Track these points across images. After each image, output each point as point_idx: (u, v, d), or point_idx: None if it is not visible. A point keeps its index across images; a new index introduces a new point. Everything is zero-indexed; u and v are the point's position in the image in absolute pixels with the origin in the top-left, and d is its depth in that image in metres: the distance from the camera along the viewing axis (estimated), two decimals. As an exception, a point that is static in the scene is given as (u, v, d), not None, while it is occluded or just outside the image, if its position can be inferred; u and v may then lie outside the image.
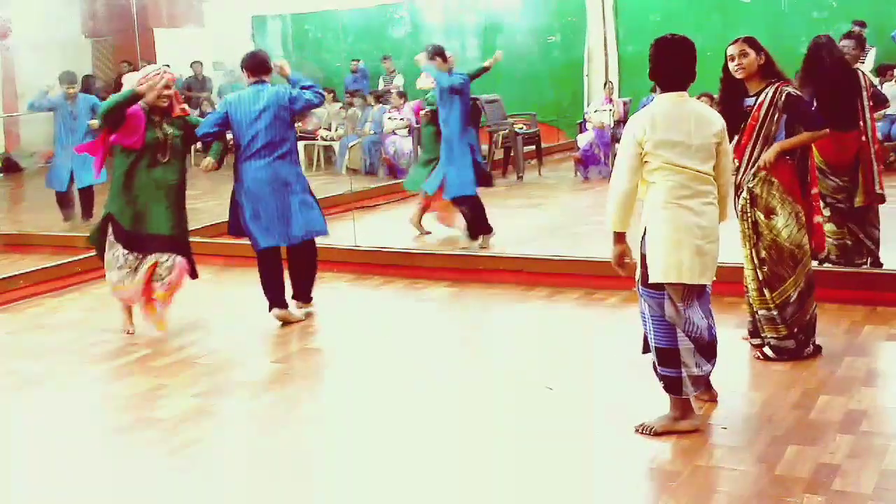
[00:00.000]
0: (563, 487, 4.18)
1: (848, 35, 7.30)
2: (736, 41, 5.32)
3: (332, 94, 15.22)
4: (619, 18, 14.43)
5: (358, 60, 16.26)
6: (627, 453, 4.41)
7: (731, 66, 5.35)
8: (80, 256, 8.67)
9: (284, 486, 4.36)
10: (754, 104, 5.35)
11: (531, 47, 15.18)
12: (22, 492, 4.46)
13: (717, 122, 4.52)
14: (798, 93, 5.36)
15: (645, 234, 4.49)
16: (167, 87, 6.46)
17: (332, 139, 14.72)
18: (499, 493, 4.16)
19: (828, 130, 5.46)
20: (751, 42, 5.32)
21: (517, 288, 7.39)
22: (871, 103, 6.85)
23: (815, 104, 6.69)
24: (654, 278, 4.45)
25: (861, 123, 6.78)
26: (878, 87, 7.06)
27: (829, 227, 6.75)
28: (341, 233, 8.80)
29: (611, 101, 12.87)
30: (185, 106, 6.90)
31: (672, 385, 4.50)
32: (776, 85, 5.31)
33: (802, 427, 4.56)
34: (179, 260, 6.57)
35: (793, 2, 13.36)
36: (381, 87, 15.54)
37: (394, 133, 13.51)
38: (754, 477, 4.07)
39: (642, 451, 4.40)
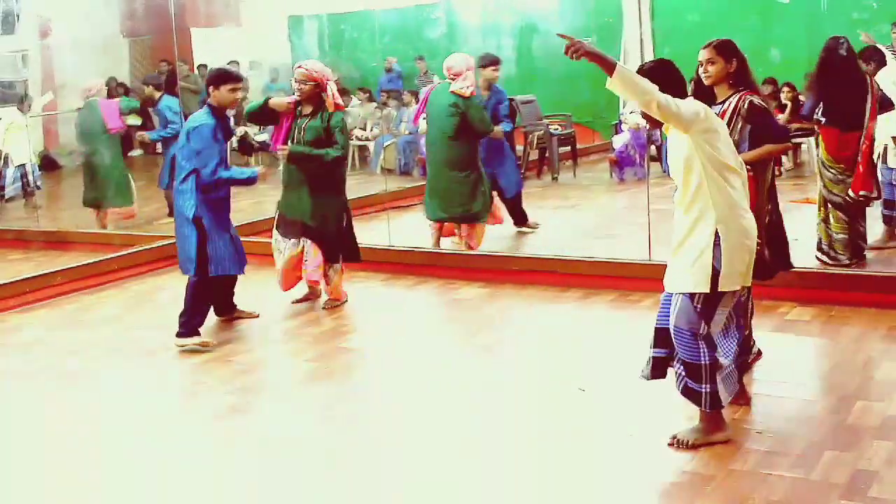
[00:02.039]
0: (595, 490, 4.17)
1: None
2: (707, 46, 5.13)
3: (367, 94, 15.27)
4: (655, 19, 14.32)
5: (393, 59, 16.26)
6: (661, 456, 4.39)
7: (700, 71, 5.26)
8: (118, 254, 8.77)
9: (316, 483, 4.38)
10: (719, 112, 5.14)
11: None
12: (56, 487, 4.51)
13: None
14: (762, 103, 5.13)
15: (717, 242, 4.27)
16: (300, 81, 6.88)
17: (367, 139, 14.76)
18: (529, 494, 4.15)
19: (790, 144, 5.38)
20: (721, 49, 5.11)
21: (551, 289, 7.37)
22: (878, 105, 7.22)
23: (820, 104, 7.16)
24: (728, 287, 4.34)
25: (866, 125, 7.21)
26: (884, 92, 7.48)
27: (830, 220, 7.28)
28: (375, 233, 8.82)
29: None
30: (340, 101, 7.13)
31: (693, 397, 4.47)
32: (741, 93, 5.11)
33: (839, 432, 4.52)
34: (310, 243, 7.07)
35: (832, 2, 13.22)
36: (418, 87, 15.54)
37: (429, 133, 13.50)
38: (790, 482, 4.04)
39: (676, 455, 4.38)
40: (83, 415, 5.42)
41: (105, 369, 6.21)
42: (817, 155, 7.41)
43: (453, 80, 8.16)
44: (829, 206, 7.29)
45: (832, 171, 7.23)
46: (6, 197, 11.74)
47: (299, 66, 6.96)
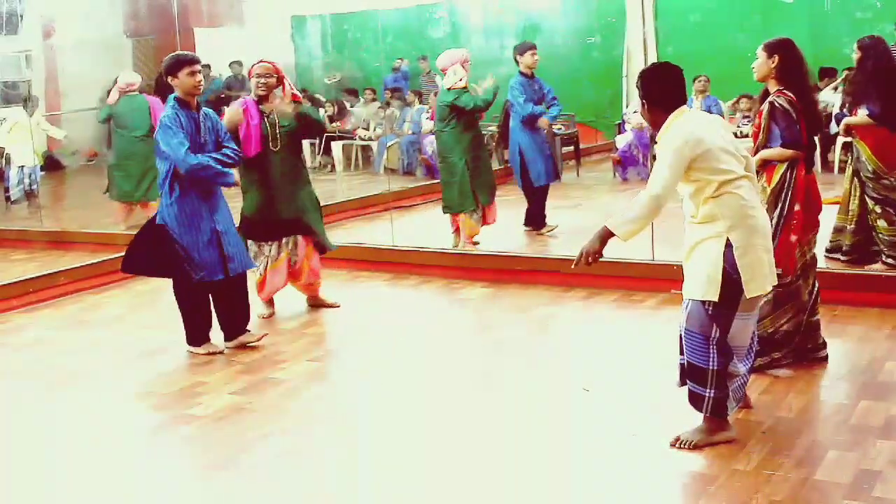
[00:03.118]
0: (597, 490, 4.16)
1: None
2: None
3: (374, 94, 15.29)
4: (658, 19, 14.32)
5: (402, 60, 16.27)
6: (664, 457, 4.38)
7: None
8: (122, 254, 8.73)
9: (319, 483, 4.38)
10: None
11: (570, 48, 15.11)
12: (58, 486, 4.51)
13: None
14: (784, 105, 5.09)
15: (730, 248, 4.24)
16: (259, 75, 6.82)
17: (370, 139, 14.76)
18: (529, 494, 4.14)
19: (797, 152, 5.15)
20: (767, 45, 5.16)
21: (555, 289, 7.37)
22: None
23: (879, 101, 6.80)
24: (756, 291, 4.31)
25: None
26: None
27: (881, 225, 6.90)
28: (379, 233, 8.83)
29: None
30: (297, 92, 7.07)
31: (696, 401, 4.46)
32: (775, 92, 5.14)
33: (843, 432, 4.51)
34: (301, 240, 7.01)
35: (836, 2, 13.20)
36: (422, 87, 15.55)
37: (432, 133, 13.52)
38: (793, 482, 4.02)
39: (680, 455, 4.37)
40: (83, 415, 5.42)
41: (106, 369, 6.21)
42: (863, 162, 6.91)
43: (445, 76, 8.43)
44: (880, 208, 6.91)
45: (886, 179, 6.83)
46: (13, 199, 11.76)
47: (261, 62, 6.89)
